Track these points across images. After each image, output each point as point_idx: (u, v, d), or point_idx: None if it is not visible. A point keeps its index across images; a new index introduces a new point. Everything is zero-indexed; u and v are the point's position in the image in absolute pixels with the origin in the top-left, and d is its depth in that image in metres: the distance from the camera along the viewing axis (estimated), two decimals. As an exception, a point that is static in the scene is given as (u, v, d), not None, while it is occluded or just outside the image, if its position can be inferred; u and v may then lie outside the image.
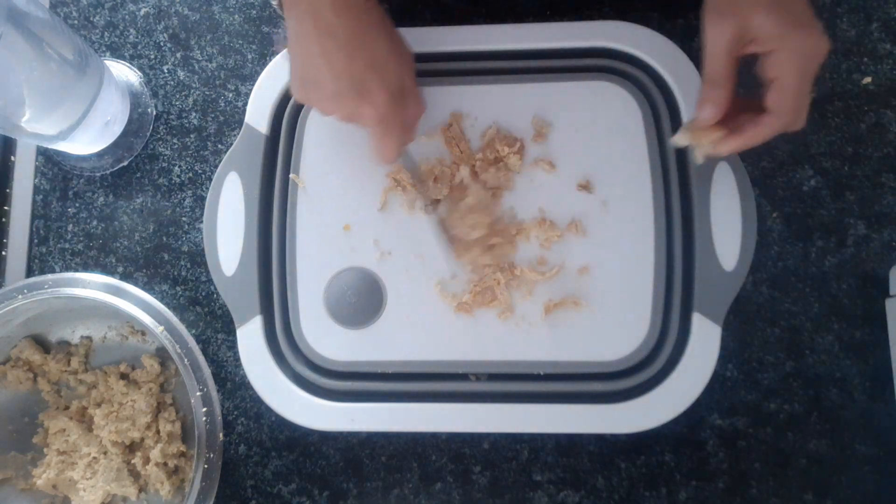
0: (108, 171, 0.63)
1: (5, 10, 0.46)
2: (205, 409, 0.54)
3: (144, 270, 0.62)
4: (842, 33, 0.60)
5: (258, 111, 0.58)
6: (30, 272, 0.63)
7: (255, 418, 0.60)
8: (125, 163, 0.63)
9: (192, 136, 0.63)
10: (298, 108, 0.58)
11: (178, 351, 0.55)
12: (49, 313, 0.60)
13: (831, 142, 0.59)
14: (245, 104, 0.59)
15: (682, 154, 0.56)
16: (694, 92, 0.55)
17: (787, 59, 0.42)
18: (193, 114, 0.63)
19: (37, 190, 0.63)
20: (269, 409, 0.55)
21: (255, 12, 0.64)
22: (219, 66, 0.64)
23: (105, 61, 0.61)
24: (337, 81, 0.46)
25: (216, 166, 0.59)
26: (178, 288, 0.62)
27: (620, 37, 0.56)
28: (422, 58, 0.54)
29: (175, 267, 0.62)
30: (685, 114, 0.55)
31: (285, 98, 0.59)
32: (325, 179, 0.57)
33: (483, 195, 0.55)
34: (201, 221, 0.61)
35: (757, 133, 0.45)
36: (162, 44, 0.64)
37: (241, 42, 0.64)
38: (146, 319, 0.55)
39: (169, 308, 0.56)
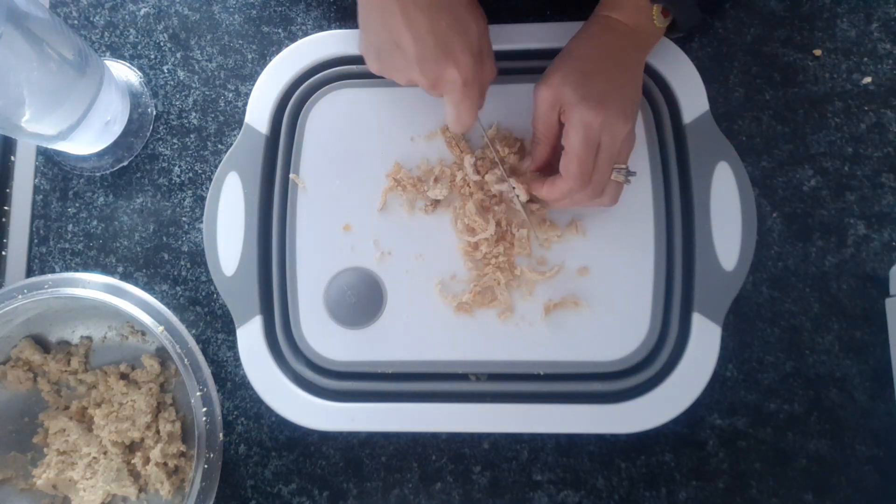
0: (108, 171, 0.63)
1: (5, 10, 0.46)
2: (205, 409, 0.54)
3: (144, 270, 0.62)
4: (842, 33, 0.60)
5: (258, 111, 0.58)
6: (30, 272, 0.63)
7: (255, 418, 0.60)
8: (125, 163, 0.63)
9: (192, 136, 0.63)
10: (298, 108, 0.58)
11: (178, 351, 0.55)
12: (49, 313, 0.60)
13: (831, 142, 0.59)
14: (245, 104, 0.59)
15: (683, 154, 0.56)
16: (694, 92, 0.56)
17: (570, 127, 0.47)
18: (193, 114, 0.63)
19: (37, 190, 0.63)
20: (269, 409, 0.55)
21: (255, 12, 0.64)
22: (219, 66, 0.64)
23: (105, 61, 0.61)
24: (421, 44, 0.45)
25: (216, 166, 0.59)
26: (178, 288, 0.62)
27: (620, 37, 0.56)
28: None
29: (175, 267, 0.62)
30: (685, 114, 0.56)
31: (285, 98, 0.59)
32: (325, 179, 0.57)
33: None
34: (201, 221, 0.61)
35: (551, 190, 0.50)
36: (162, 44, 0.64)
37: (241, 42, 0.64)
38: (146, 319, 0.55)
39: (169, 308, 0.56)
